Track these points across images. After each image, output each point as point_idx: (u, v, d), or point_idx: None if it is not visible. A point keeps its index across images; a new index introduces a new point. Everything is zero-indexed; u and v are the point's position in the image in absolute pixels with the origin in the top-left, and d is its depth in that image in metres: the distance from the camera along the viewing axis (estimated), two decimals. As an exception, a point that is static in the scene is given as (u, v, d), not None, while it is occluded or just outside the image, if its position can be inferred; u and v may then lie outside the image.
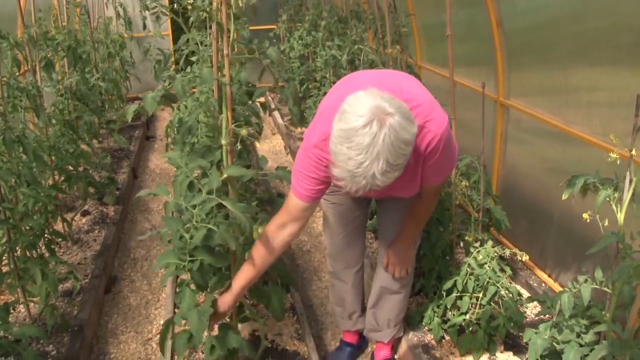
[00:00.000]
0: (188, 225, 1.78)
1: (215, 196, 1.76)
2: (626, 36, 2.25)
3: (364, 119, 1.42)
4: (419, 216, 2.16)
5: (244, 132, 1.90)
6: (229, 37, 1.80)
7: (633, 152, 1.65)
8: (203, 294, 2.10)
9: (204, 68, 1.94)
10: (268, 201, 2.59)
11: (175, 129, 2.80)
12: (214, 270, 1.99)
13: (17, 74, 3.16)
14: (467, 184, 2.55)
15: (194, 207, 1.78)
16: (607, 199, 1.73)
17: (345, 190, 1.54)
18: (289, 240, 1.94)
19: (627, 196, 1.69)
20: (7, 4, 4.03)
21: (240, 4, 1.83)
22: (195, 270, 1.78)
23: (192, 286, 1.89)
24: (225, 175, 1.83)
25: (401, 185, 1.79)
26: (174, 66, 6.55)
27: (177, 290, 3.07)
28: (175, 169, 2.26)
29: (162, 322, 2.89)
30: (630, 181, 1.68)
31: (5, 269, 2.49)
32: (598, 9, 2.39)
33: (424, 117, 1.70)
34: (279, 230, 1.88)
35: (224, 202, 1.76)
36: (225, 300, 1.94)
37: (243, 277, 1.92)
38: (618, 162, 1.71)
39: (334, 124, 1.50)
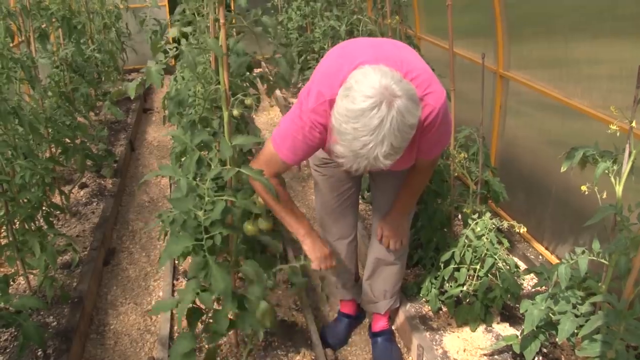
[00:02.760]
0: (201, 202, 1.72)
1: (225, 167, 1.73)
2: (628, 8, 2.22)
3: (372, 101, 1.40)
4: (413, 188, 2.15)
5: (248, 101, 1.89)
6: (226, 5, 1.77)
7: (633, 124, 1.64)
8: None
9: (207, 37, 1.90)
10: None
11: (172, 101, 2.77)
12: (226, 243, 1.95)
13: (11, 45, 3.11)
14: (466, 156, 2.55)
15: (207, 180, 1.74)
16: (606, 171, 1.73)
17: (344, 169, 1.53)
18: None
19: (626, 168, 1.69)
20: (-1, -27, 3.95)
21: (237, -27, 1.79)
22: (217, 245, 1.71)
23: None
24: (233, 144, 1.80)
25: (397, 160, 1.78)
26: (170, 37, 6.47)
27: (176, 262, 3.10)
28: (173, 142, 2.25)
29: (161, 293, 2.92)
30: (630, 153, 1.68)
31: (4, 242, 2.50)
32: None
33: (423, 89, 1.68)
34: (273, 177, 1.90)
35: (243, 170, 1.73)
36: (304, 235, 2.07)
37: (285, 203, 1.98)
38: (618, 135, 1.71)
39: (338, 99, 1.48)
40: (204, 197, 1.71)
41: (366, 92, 1.41)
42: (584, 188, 1.77)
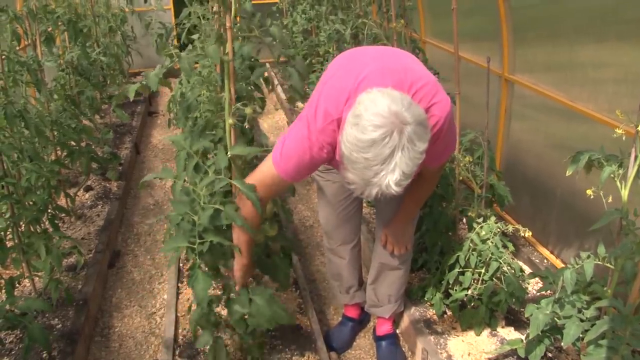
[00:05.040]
0: (196, 207, 1.75)
1: (221, 176, 1.75)
2: (633, 11, 2.22)
3: (383, 131, 1.37)
4: (418, 195, 2.12)
5: (248, 110, 1.88)
6: (231, 10, 1.77)
7: (639, 127, 1.64)
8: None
9: (209, 44, 1.90)
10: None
11: (177, 104, 2.78)
12: (224, 251, 1.97)
13: (18, 48, 3.13)
14: (471, 160, 2.54)
15: (201, 188, 1.76)
16: (612, 175, 1.72)
17: (354, 195, 1.54)
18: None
19: (631, 172, 1.68)
20: (6, -23, 3.98)
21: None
22: (205, 252, 1.75)
23: (204, 268, 1.86)
24: (229, 155, 1.82)
25: None
26: (175, 40, 6.50)
27: (181, 265, 3.11)
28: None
29: (165, 296, 2.92)
30: (636, 157, 1.67)
31: (9, 244, 2.51)
32: (606, -18, 2.35)
33: (429, 100, 1.65)
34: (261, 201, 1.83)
35: (233, 182, 1.74)
36: (240, 266, 1.98)
37: (242, 240, 1.91)
38: (624, 139, 1.70)
39: (347, 127, 1.45)
40: (199, 202, 1.74)
41: (376, 121, 1.38)
42: (589, 192, 1.77)
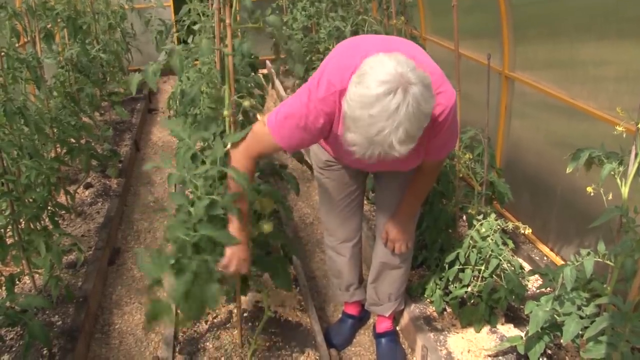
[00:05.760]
0: (192, 197, 1.76)
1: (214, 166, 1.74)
2: (634, 9, 2.21)
3: (387, 86, 1.37)
4: (419, 190, 2.12)
5: (246, 103, 1.89)
6: (231, 6, 1.77)
7: (639, 125, 1.63)
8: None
9: (203, 39, 1.91)
10: (270, 173, 2.58)
11: (177, 101, 2.78)
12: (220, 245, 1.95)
13: (17, 45, 3.13)
14: (471, 157, 2.54)
15: (196, 177, 1.76)
16: (612, 172, 1.72)
17: (357, 156, 1.49)
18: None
19: (632, 170, 1.68)
20: (5, -26, 3.97)
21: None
22: (200, 245, 1.74)
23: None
24: (229, 145, 1.81)
25: (404, 158, 1.77)
26: (176, 37, 6.49)
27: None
28: (178, 141, 2.25)
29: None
30: (636, 155, 1.67)
31: (9, 241, 2.51)
32: (607, -21, 2.34)
33: (436, 88, 1.63)
34: (249, 158, 1.83)
35: (227, 170, 1.74)
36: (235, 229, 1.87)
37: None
38: (624, 136, 1.70)
39: (351, 86, 1.45)
40: (195, 192, 1.73)
41: (381, 77, 1.38)
42: (589, 189, 1.77)
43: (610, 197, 1.73)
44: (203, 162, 1.82)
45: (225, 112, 1.87)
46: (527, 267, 2.90)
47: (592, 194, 1.75)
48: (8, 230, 2.48)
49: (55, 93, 3.68)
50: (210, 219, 1.77)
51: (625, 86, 2.34)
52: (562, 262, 2.71)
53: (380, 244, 2.28)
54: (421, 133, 1.46)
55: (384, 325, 2.52)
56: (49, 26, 3.66)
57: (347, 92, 1.47)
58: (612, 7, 2.33)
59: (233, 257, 1.89)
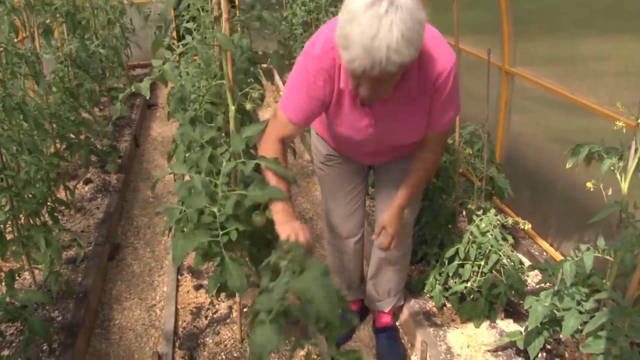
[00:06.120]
0: (215, 198, 1.70)
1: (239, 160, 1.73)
2: (634, 4, 2.21)
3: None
4: (420, 168, 1.97)
5: (255, 93, 1.88)
6: (230, 1, 1.77)
7: (639, 120, 1.63)
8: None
9: (217, 33, 1.89)
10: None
11: (174, 97, 2.78)
12: (247, 237, 1.88)
13: (16, 40, 3.12)
14: (471, 152, 2.54)
15: (223, 175, 1.73)
16: (612, 167, 1.72)
17: (357, 72, 1.46)
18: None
19: (632, 165, 1.68)
20: (3, -31, 3.95)
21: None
22: (233, 241, 1.68)
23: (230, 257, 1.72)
24: (244, 137, 1.79)
25: (406, 124, 1.76)
26: (174, 33, 6.48)
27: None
28: (176, 138, 2.24)
29: (165, 289, 2.92)
30: (636, 150, 1.67)
31: (9, 237, 2.51)
32: (608, -26, 2.34)
33: (437, 44, 1.67)
34: (275, 142, 1.82)
35: (261, 162, 1.71)
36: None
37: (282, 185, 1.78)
38: (624, 131, 1.70)
39: (338, 17, 1.47)
40: (217, 193, 1.70)
41: None
42: (589, 185, 1.77)
43: (610, 192, 1.73)
44: (219, 161, 1.80)
45: (231, 108, 1.86)
46: (527, 262, 2.91)
47: (592, 190, 1.75)
48: (8, 225, 2.48)
49: (54, 88, 3.67)
50: (235, 216, 1.71)
51: (625, 81, 2.33)
52: (562, 258, 2.71)
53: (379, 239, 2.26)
54: (418, 45, 1.45)
55: (384, 321, 2.52)
56: (47, 21, 3.65)
57: (337, 25, 1.48)
58: (612, 1, 2.32)
59: (291, 232, 1.70)
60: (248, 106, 1.95)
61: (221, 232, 1.65)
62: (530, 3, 3.01)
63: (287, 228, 1.64)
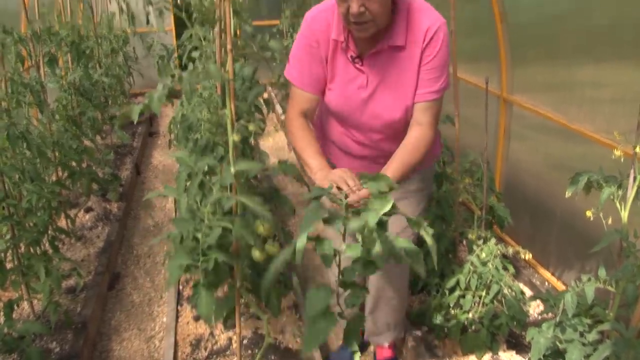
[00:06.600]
0: (200, 225, 1.74)
1: (225, 193, 1.74)
2: (631, 32, 2.24)
3: None
4: (409, 145, 1.82)
5: (251, 127, 1.90)
6: (231, 32, 1.79)
7: (637, 149, 1.64)
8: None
9: (210, 64, 1.93)
10: (270, 198, 2.58)
11: (178, 125, 2.80)
12: (227, 268, 1.94)
13: (21, 69, 3.16)
14: (470, 181, 2.55)
15: (206, 205, 1.75)
16: (611, 196, 1.72)
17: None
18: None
19: (631, 194, 1.68)
20: (11, 0, 4.04)
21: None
22: (210, 270, 1.72)
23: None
24: (234, 171, 1.81)
25: (397, 86, 1.81)
26: (177, 62, 6.55)
27: (181, 288, 3.09)
28: (179, 166, 2.25)
29: (164, 319, 2.90)
30: (635, 178, 1.67)
31: (9, 266, 2.50)
32: (603, 4, 2.38)
33: (426, 6, 1.78)
34: (297, 117, 1.94)
35: (242, 200, 1.73)
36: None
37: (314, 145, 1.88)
38: (622, 160, 1.71)
39: None
40: (203, 220, 1.73)
41: None
42: (589, 213, 1.77)
43: (610, 221, 1.73)
44: (210, 189, 1.82)
45: (234, 137, 1.88)
46: (528, 292, 2.88)
47: (591, 218, 1.75)
48: (8, 254, 2.48)
49: (57, 117, 3.70)
50: (219, 245, 1.75)
51: (622, 108, 2.35)
52: (564, 287, 2.69)
53: (374, 275, 2.22)
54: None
55: (384, 354, 2.48)
56: (52, 51, 3.70)
57: None
58: (608, 30, 2.36)
59: (339, 179, 1.64)
60: (235, 137, 1.95)
61: (202, 259, 1.69)
62: (528, 31, 3.05)
63: (333, 177, 1.64)
